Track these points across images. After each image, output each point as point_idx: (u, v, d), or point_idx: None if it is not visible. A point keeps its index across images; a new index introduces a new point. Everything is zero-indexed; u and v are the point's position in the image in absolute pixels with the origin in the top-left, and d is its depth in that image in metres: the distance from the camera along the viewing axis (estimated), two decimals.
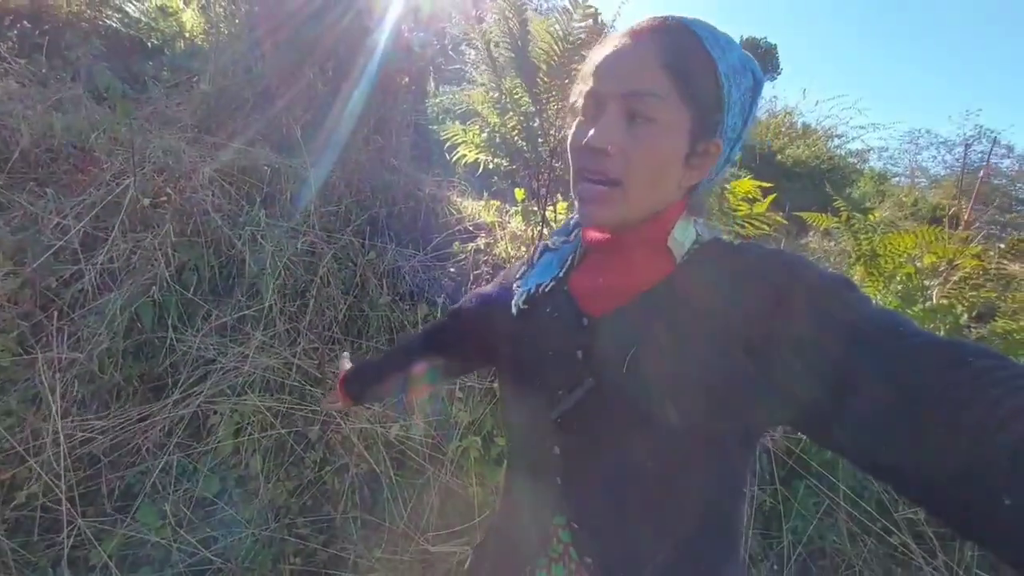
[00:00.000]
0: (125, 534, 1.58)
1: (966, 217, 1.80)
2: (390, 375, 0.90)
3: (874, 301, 0.50)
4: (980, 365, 0.37)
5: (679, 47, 0.50)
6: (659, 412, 0.51)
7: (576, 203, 0.57)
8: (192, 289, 1.80)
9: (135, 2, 4.56)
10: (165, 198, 1.82)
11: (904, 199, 8.98)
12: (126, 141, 1.85)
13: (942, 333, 1.53)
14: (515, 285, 0.69)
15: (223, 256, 1.91)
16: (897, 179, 11.78)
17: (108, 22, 4.27)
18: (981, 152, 11.51)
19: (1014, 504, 0.32)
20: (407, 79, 4.02)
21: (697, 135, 0.52)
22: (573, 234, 0.67)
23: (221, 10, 3.71)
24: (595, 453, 0.57)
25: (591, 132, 0.51)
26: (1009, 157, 11.83)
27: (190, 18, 4.57)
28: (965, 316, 1.56)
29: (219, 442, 1.74)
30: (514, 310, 0.66)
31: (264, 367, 1.77)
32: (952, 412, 0.36)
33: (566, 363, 0.58)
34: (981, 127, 11.68)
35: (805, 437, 0.52)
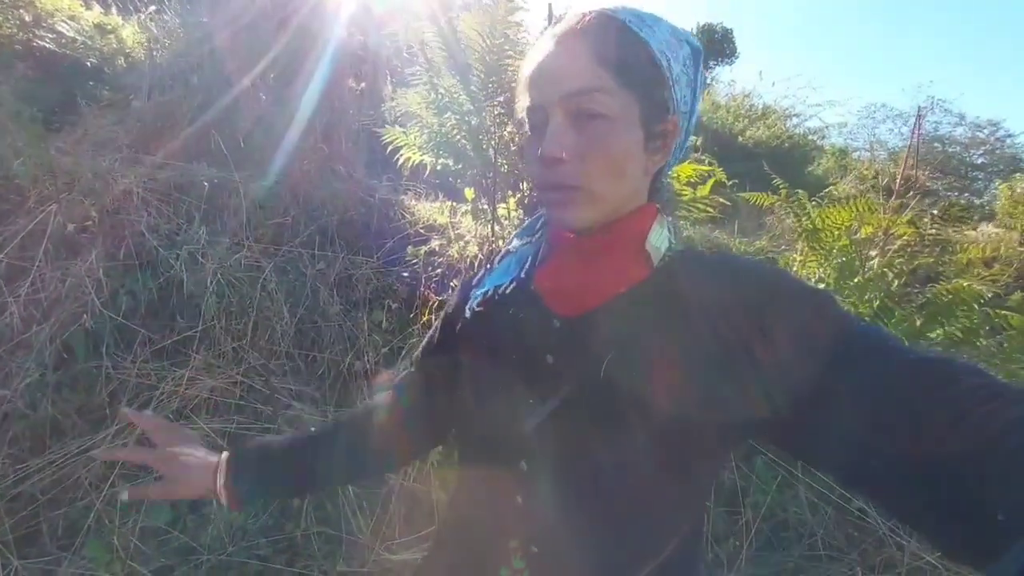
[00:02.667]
0: (72, 572, 1.53)
1: (896, 186, 1.84)
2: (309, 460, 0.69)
3: (858, 318, 0.50)
4: (971, 382, 0.37)
5: (606, 36, 0.49)
6: (637, 421, 0.49)
7: (547, 212, 0.56)
8: (127, 314, 1.74)
9: (70, 21, 4.41)
10: (91, 222, 1.76)
11: (865, 172, 9.20)
12: (46, 165, 1.78)
13: (876, 303, 1.57)
14: (472, 291, 0.65)
15: (161, 278, 1.86)
16: (857, 153, 12.08)
17: (42, 43, 4.12)
18: (935, 122, 11.85)
19: (1007, 520, 0.31)
20: (363, 84, 3.96)
21: (650, 117, 0.51)
22: (538, 234, 0.63)
23: (153, 24, 3.61)
24: (565, 468, 0.53)
25: (543, 144, 0.50)
26: (962, 124, 12.19)
27: (130, 35, 4.43)
28: (896, 283, 1.60)
29: None
30: (467, 313, 0.62)
31: (210, 388, 1.72)
32: (944, 428, 0.35)
33: (535, 369, 0.55)
34: (932, 97, 12.03)
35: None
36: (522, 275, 0.60)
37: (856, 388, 0.40)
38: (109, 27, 4.47)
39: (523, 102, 0.55)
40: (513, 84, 2.14)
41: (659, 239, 0.54)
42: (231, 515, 1.76)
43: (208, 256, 1.98)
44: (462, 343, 0.64)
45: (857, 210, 1.77)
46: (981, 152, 12.25)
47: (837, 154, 11.19)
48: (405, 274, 2.41)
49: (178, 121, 2.75)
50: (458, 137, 2.15)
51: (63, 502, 1.53)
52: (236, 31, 3.30)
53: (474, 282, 0.67)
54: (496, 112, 2.14)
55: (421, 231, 2.61)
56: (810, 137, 11.48)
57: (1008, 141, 11.74)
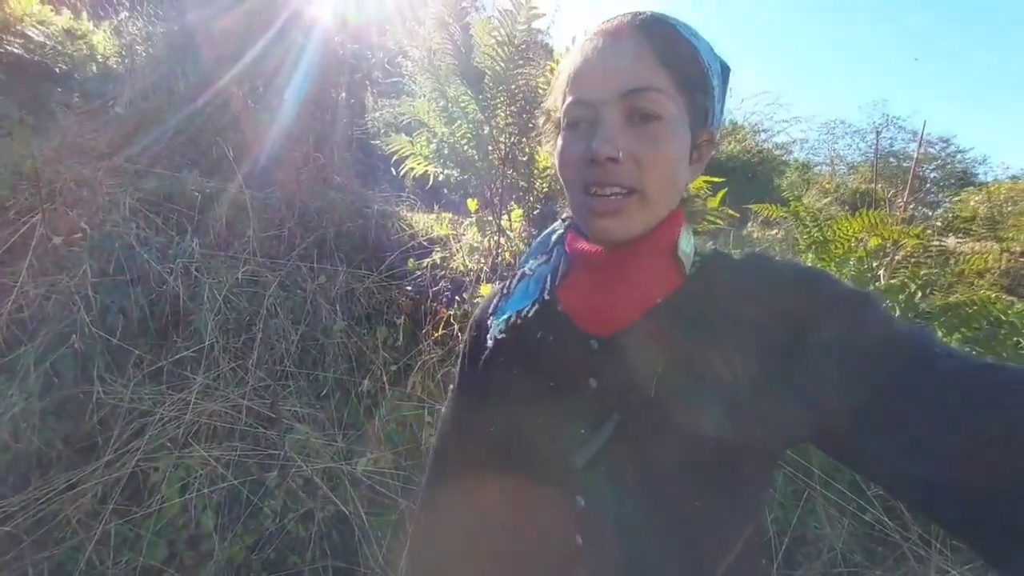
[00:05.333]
0: None
1: (904, 199, 1.89)
2: None
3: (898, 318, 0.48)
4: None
5: (664, 37, 0.47)
6: (693, 437, 0.46)
7: (584, 220, 0.51)
8: (119, 334, 1.61)
9: (38, 26, 4.21)
10: (80, 234, 1.62)
11: (827, 186, 9.62)
12: (30, 173, 1.64)
13: (898, 312, 1.59)
14: (489, 320, 0.60)
15: (153, 294, 1.73)
16: (819, 167, 12.56)
17: (9, 48, 3.90)
18: (890, 138, 12.45)
19: None
20: (344, 94, 3.88)
21: (695, 126, 0.49)
22: (554, 250, 0.59)
23: (136, 31, 3.46)
24: (624, 500, 0.48)
25: (595, 142, 0.46)
26: (914, 142, 12.83)
27: (101, 40, 4.25)
28: (919, 294, 1.63)
29: (163, 502, 1.56)
30: (490, 342, 0.57)
31: (209, 413, 1.60)
32: (998, 440, 0.34)
33: (578, 395, 0.50)
34: (887, 115, 12.65)
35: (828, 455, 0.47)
36: (545, 296, 0.56)
37: (905, 397, 0.38)
38: (79, 32, 4.29)
39: (559, 99, 0.51)
40: (525, 92, 2.12)
41: (688, 244, 0.52)
42: (231, 551, 1.63)
43: (203, 270, 1.86)
44: (489, 376, 0.58)
45: (869, 222, 1.80)
46: (933, 167, 12.89)
47: (800, 168, 11.61)
48: (409, 287, 2.33)
49: (163, 129, 2.62)
50: (466, 147, 2.10)
51: (50, 543, 1.38)
52: (222, 38, 3.19)
53: (490, 310, 0.62)
54: (505, 122, 2.10)
55: (424, 243, 2.53)
56: (776, 152, 11.88)
57: (959, 157, 12.42)
